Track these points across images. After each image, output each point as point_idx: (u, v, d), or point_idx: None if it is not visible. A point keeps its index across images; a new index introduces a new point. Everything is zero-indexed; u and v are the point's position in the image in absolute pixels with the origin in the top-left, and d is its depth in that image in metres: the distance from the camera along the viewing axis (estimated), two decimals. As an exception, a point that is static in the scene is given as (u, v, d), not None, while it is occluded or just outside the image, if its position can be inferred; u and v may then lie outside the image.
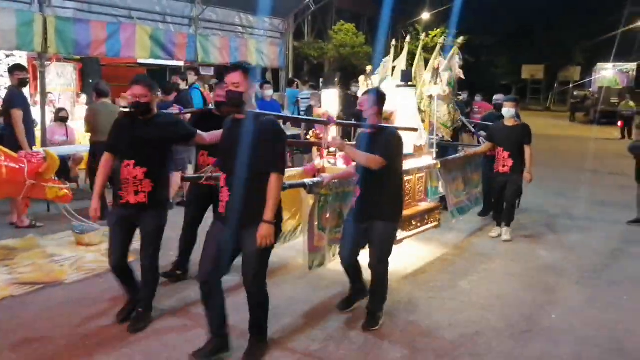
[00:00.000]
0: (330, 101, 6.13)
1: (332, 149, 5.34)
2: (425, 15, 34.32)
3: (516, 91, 42.92)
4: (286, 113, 12.18)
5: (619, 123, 20.15)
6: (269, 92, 9.85)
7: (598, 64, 33.46)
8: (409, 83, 5.93)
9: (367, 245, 4.11)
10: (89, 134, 7.11)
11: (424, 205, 5.78)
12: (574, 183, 9.41)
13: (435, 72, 6.31)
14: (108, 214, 5.07)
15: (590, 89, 33.23)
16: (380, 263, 4.04)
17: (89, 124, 6.94)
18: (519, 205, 7.09)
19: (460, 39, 6.80)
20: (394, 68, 6.53)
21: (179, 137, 4.12)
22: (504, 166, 6.35)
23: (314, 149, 6.15)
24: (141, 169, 3.79)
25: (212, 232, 3.50)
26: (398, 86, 5.85)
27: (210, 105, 7.08)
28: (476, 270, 5.33)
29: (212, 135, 4.09)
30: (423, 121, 6.17)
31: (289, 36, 15.25)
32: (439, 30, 35.90)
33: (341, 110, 7.07)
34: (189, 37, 11.87)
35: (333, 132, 5.29)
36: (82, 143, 8.63)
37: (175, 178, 7.41)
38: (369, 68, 6.84)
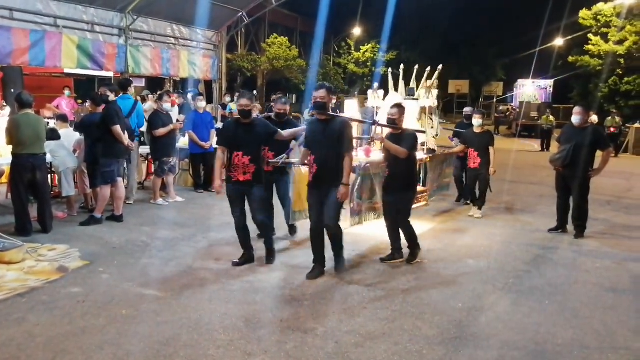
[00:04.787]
0: (352, 108, 8.71)
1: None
2: (357, 31, 35.07)
3: (443, 105, 44.58)
4: (220, 125, 12.08)
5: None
6: (201, 104, 9.76)
7: (519, 79, 35.32)
8: (413, 97, 8.21)
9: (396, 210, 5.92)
10: (11, 147, 6.76)
11: (417, 189, 7.23)
12: (496, 193, 9.85)
13: (428, 90, 8.37)
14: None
15: (513, 104, 35.00)
16: (404, 220, 5.94)
17: (10, 136, 6.59)
18: (491, 190, 8.54)
19: (440, 67, 8.50)
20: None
21: (269, 134, 5.68)
22: (474, 163, 8.25)
23: None
24: (247, 158, 5.42)
25: (310, 198, 5.41)
26: (406, 99, 7.93)
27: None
28: (407, 280, 5.48)
29: (288, 133, 5.93)
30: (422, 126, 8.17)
31: (222, 48, 15.17)
32: (370, 45, 36.86)
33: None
34: (119, 47, 11.59)
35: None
36: (2, 156, 8.20)
37: (104, 192, 7.19)
38: (376, 84, 9.05)
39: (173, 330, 4.10)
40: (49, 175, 7.66)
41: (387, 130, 6.23)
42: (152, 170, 9.40)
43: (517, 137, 26.56)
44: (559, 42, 32.28)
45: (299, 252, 6.24)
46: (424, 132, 7.83)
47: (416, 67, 8.67)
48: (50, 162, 7.57)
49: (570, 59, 27.77)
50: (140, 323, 4.22)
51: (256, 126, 5.60)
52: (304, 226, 6.97)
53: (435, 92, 8.49)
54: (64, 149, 7.60)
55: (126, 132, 7.43)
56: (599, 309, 4.89)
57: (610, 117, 20.24)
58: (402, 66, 8.77)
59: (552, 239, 7.30)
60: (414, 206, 7.22)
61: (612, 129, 19.45)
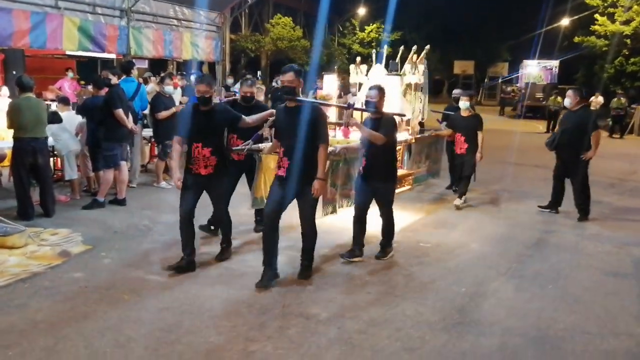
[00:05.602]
0: (330, 84, 8.80)
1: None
2: (361, 11, 34.69)
3: (448, 86, 44.25)
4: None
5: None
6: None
7: (524, 60, 34.93)
8: (396, 72, 7.68)
9: (376, 201, 5.47)
10: (12, 130, 6.74)
11: (400, 172, 6.99)
12: (499, 176, 9.80)
13: (414, 65, 7.81)
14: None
15: (518, 85, 34.67)
16: (387, 212, 5.50)
17: (11, 120, 6.56)
18: (475, 179, 8.10)
19: (428, 47, 8.13)
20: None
21: (231, 122, 5.27)
22: (460, 148, 7.81)
23: None
24: (207, 149, 4.90)
25: (273, 188, 4.78)
26: (388, 74, 7.46)
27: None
28: (410, 264, 5.47)
29: (253, 119, 5.43)
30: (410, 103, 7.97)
31: (226, 29, 15.04)
32: (374, 25, 36.47)
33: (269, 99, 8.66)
34: (121, 29, 11.49)
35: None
36: (4, 139, 8.19)
37: (107, 175, 7.18)
38: (358, 59, 8.52)
39: (175, 316, 4.11)
40: (51, 159, 7.65)
41: (365, 114, 5.81)
42: (155, 153, 9.38)
43: (522, 119, 26.37)
44: (564, 22, 31.85)
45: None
46: (404, 115, 7.43)
47: (414, 47, 8.23)
48: (53, 146, 7.56)
49: (576, 39, 27.40)
50: (142, 309, 4.24)
51: (216, 113, 5.04)
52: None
53: (421, 67, 7.96)
54: (66, 132, 7.57)
55: (130, 116, 7.39)
56: (601, 294, 4.88)
57: (615, 99, 20.06)
58: (386, 47, 8.58)
59: (554, 222, 7.28)
60: (397, 191, 7.01)
61: (617, 110, 19.30)
